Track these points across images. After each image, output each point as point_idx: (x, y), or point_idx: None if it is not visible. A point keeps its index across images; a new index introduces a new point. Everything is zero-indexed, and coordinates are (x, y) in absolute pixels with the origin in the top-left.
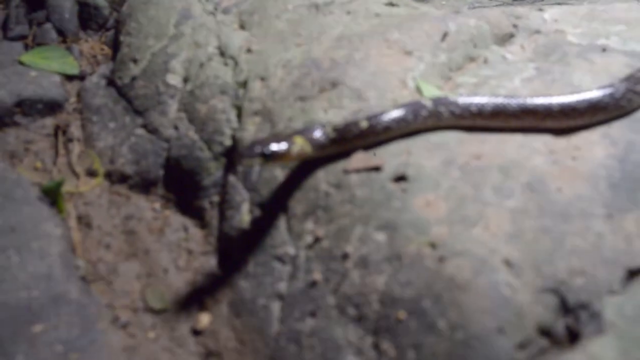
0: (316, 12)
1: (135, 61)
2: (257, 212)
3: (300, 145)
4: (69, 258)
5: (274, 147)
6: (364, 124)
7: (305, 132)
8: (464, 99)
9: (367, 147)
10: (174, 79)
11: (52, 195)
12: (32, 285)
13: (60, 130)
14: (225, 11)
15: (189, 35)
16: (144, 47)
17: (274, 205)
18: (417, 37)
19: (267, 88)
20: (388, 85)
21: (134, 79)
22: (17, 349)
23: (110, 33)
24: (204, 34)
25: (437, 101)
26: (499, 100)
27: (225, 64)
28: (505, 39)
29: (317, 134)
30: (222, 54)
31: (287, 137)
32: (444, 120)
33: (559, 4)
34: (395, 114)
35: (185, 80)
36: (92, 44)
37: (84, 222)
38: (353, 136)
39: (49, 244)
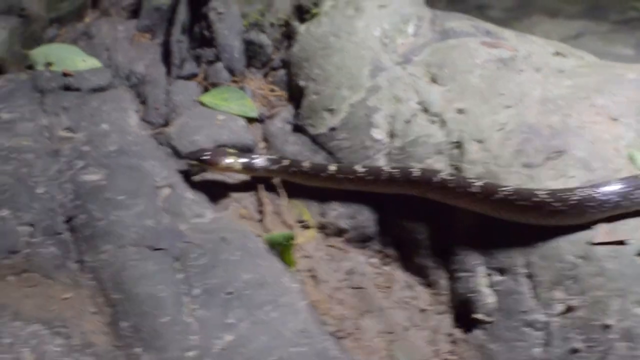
0: (505, 68)
1: (331, 111)
2: (496, 277)
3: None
4: (315, 313)
5: (207, 156)
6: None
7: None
8: None
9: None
10: (379, 134)
11: (277, 247)
12: (298, 341)
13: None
14: (406, 60)
15: (387, 88)
16: (338, 97)
17: (513, 271)
18: (620, 102)
19: (487, 152)
20: (607, 154)
21: (332, 129)
22: None
23: (279, 73)
24: (401, 88)
25: None
26: None
27: (432, 122)
28: None
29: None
30: (426, 110)
31: (224, 153)
32: None
33: None
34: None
35: (391, 135)
36: (258, 83)
37: (310, 275)
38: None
39: (295, 299)
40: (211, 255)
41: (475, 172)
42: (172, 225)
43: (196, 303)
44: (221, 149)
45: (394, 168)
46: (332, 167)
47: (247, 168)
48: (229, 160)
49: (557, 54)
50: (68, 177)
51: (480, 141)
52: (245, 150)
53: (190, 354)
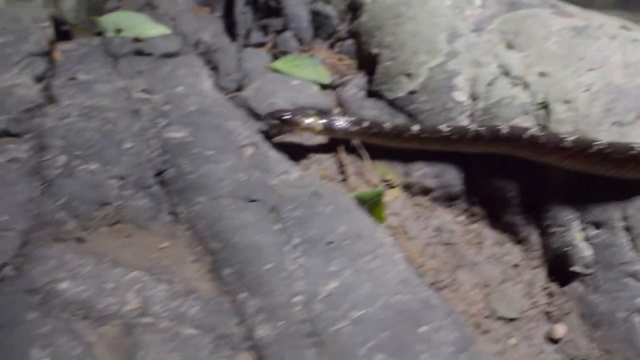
0: (581, 36)
1: (408, 75)
2: (592, 231)
3: (312, 122)
4: (412, 266)
5: (288, 115)
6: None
7: (324, 116)
8: None
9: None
10: (461, 96)
11: (367, 204)
12: (401, 290)
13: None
14: (478, 29)
15: (465, 53)
16: (416, 62)
17: (610, 225)
18: None
19: (574, 111)
20: None
21: (411, 93)
22: (417, 346)
23: (346, 43)
24: (479, 53)
25: None
26: None
27: (514, 85)
28: None
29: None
30: (506, 74)
31: (305, 113)
32: None
33: None
34: None
35: (473, 97)
36: (325, 53)
37: (400, 231)
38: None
39: (391, 251)
40: (305, 208)
41: (564, 131)
42: (263, 179)
43: (297, 252)
44: (301, 109)
45: (480, 126)
46: (415, 127)
47: (327, 129)
48: (309, 120)
49: (623, 27)
50: (153, 134)
51: (566, 101)
52: (322, 113)
53: (297, 299)
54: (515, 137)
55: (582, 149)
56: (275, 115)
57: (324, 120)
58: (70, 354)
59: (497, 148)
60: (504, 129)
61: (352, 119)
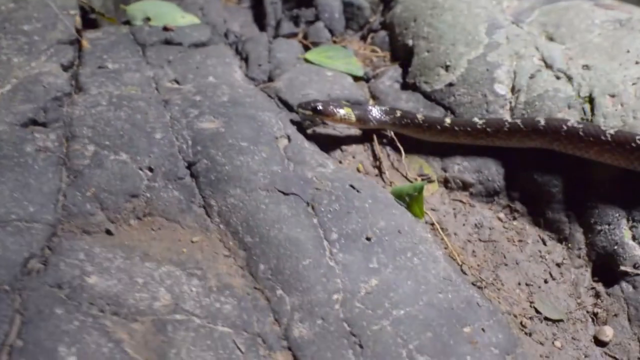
0: (624, 29)
1: (446, 67)
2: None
3: (346, 113)
4: (453, 263)
5: (322, 106)
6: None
7: (356, 106)
8: None
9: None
10: (503, 89)
11: (404, 199)
12: (444, 288)
13: (374, 133)
14: (517, 20)
15: (506, 45)
16: (455, 54)
17: None
18: None
19: (622, 105)
20: None
21: (450, 85)
22: (461, 348)
23: (379, 35)
24: (521, 45)
25: None
26: None
27: (557, 77)
28: None
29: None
30: (549, 66)
31: (339, 104)
32: None
33: None
34: None
35: (514, 90)
36: (357, 44)
37: (440, 227)
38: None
39: (432, 248)
40: (343, 201)
41: (612, 126)
42: (298, 171)
43: (335, 247)
44: (335, 100)
45: (515, 118)
46: (448, 120)
47: (360, 119)
48: (343, 111)
49: None
50: (184, 124)
51: (613, 95)
52: (355, 105)
53: (337, 296)
54: (554, 129)
55: (622, 142)
56: (308, 105)
57: (357, 111)
58: (99, 352)
59: (534, 141)
60: (541, 120)
61: (385, 108)
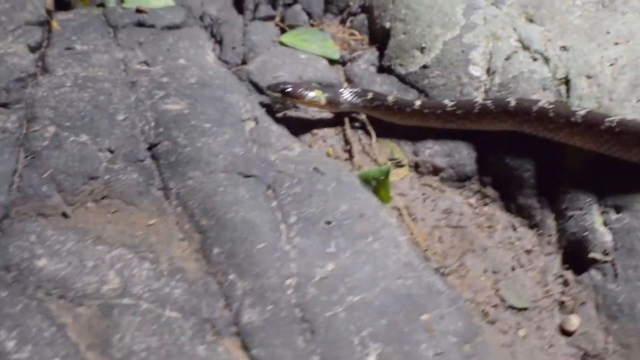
0: (606, 10)
1: (422, 49)
2: (612, 215)
3: (315, 96)
4: (417, 248)
5: (290, 88)
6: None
7: (328, 89)
8: None
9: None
10: (477, 70)
11: (371, 183)
12: (403, 274)
13: (346, 117)
14: (498, 1)
15: (483, 26)
16: (430, 35)
17: (633, 209)
18: None
19: (598, 86)
20: None
21: (424, 67)
22: (416, 336)
23: (358, 18)
24: (498, 26)
25: None
26: None
27: (534, 59)
28: None
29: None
30: (526, 47)
31: (309, 86)
32: None
33: None
34: None
35: (490, 72)
36: (336, 28)
37: (406, 212)
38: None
39: (395, 233)
40: (305, 184)
41: (586, 107)
42: (261, 154)
43: (293, 231)
44: (305, 82)
45: (485, 100)
46: (418, 102)
47: (331, 102)
48: (313, 93)
49: None
50: (148, 106)
51: (590, 76)
52: (326, 87)
53: (290, 281)
54: (524, 111)
55: (592, 124)
56: (277, 87)
57: (327, 94)
58: (39, 336)
59: (504, 123)
60: (512, 101)
61: (356, 90)
